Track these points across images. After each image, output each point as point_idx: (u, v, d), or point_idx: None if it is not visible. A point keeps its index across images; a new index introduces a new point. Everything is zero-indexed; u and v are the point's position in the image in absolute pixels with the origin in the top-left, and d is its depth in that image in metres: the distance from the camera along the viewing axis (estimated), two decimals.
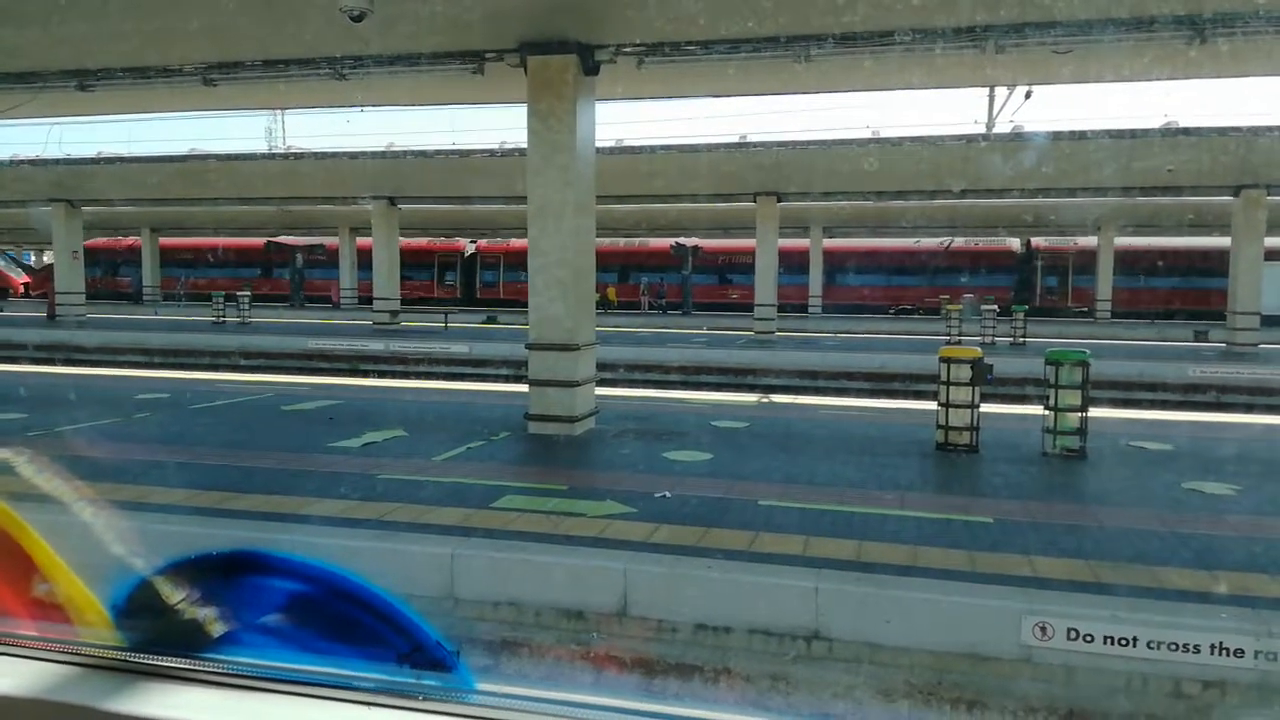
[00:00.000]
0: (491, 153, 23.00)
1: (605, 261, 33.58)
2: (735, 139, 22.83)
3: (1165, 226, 29.95)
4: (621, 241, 37.75)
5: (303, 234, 39.45)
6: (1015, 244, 36.02)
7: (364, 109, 16.32)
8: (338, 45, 9.65)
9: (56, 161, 26.26)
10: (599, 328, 11.01)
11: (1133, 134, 18.61)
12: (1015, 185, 21.69)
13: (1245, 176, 20.44)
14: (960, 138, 20.79)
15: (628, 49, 9.37)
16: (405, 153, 24.06)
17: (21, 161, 26.61)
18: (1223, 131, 18.40)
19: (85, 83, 10.84)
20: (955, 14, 8.25)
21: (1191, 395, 16.45)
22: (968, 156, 20.60)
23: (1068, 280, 35.44)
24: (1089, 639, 4.67)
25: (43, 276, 43.54)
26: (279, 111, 42.33)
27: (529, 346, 9.93)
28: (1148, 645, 4.61)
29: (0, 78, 11.03)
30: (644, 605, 5.31)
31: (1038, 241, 35.35)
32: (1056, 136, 19.37)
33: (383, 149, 24.66)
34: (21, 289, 43.17)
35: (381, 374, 19.61)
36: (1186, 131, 18.43)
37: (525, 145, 9.79)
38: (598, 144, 10.52)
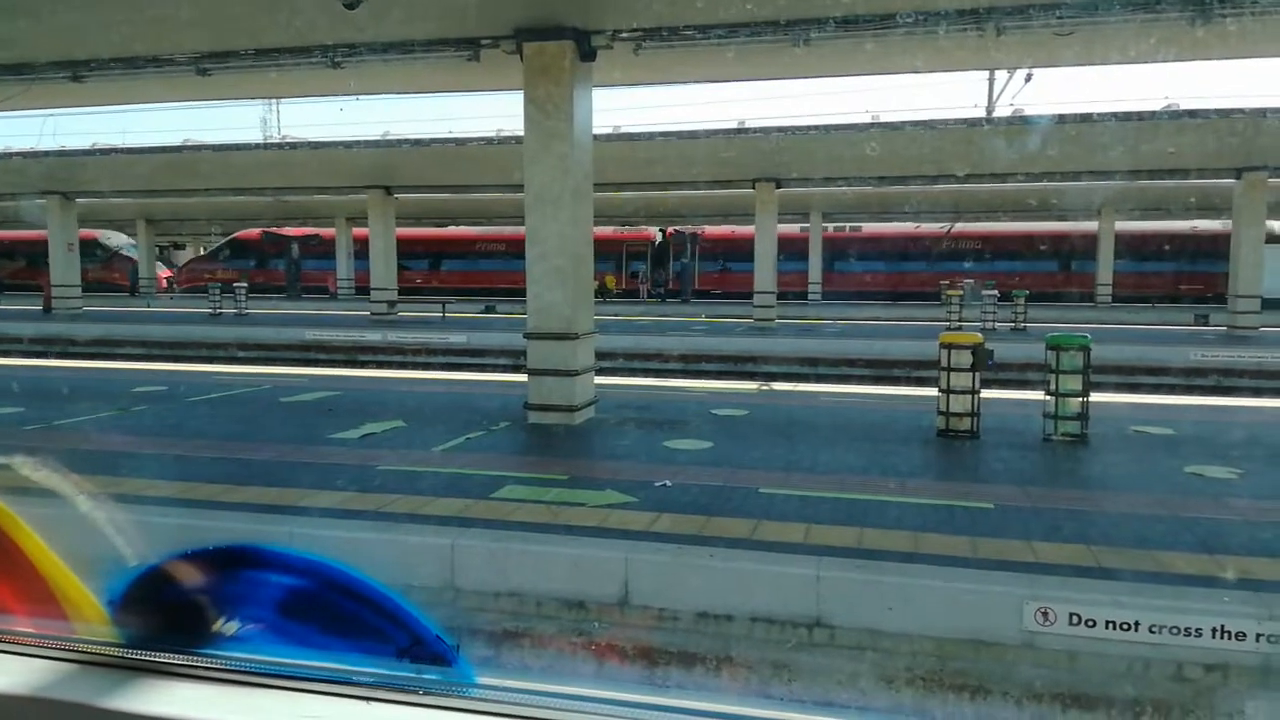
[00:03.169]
0: (488, 141, 22.91)
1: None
2: (733, 125, 22.78)
3: (1171, 210, 29.66)
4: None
5: (298, 224, 39.38)
6: None
7: (359, 98, 16.30)
8: (331, 33, 9.58)
9: (49, 154, 26.14)
10: (597, 316, 10.99)
11: (1139, 116, 18.51)
12: (1019, 169, 21.60)
13: (1249, 159, 20.37)
14: (963, 122, 20.70)
15: (624, 34, 9.31)
16: (401, 141, 23.97)
17: (14, 154, 26.49)
18: (1225, 113, 18.32)
19: (78, 73, 10.78)
20: None
21: (1193, 379, 16.46)
22: (971, 140, 20.52)
23: None
24: (1091, 624, 4.67)
25: (186, 273, 43.27)
26: (274, 101, 42.23)
27: (527, 336, 9.90)
28: (1150, 629, 4.61)
29: None
30: (645, 594, 5.30)
31: None
32: (1061, 120, 19.27)
33: (378, 138, 24.58)
34: (164, 283, 42.52)
35: (380, 365, 19.59)
36: (1192, 114, 18.35)
37: (522, 133, 9.74)
38: (595, 131, 10.47)
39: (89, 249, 40.90)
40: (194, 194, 29.66)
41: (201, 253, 47.86)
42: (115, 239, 42.17)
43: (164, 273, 44.11)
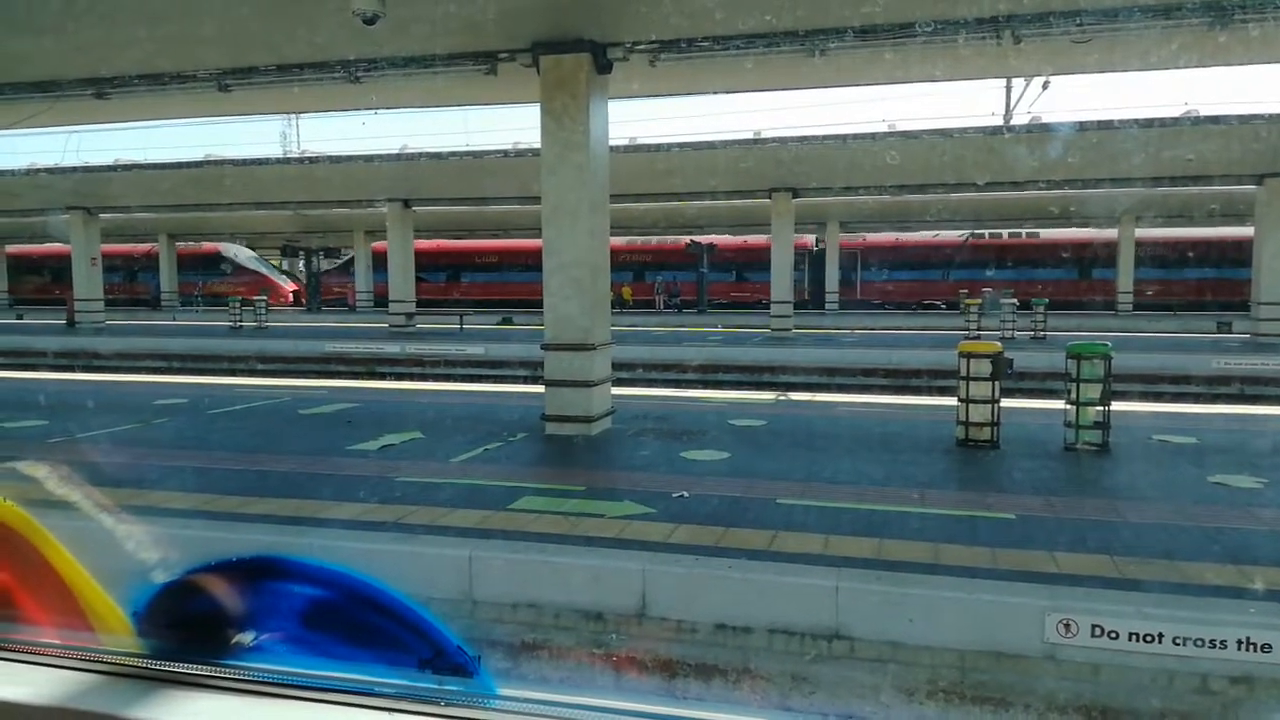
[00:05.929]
0: (505, 153, 23.05)
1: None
2: (748, 135, 22.84)
3: (1194, 217, 29.45)
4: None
5: (321, 238, 39.62)
6: None
7: (378, 111, 16.40)
8: (351, 48, 9.68)
9: (74, 169, 26.50)
10: (614, 327, 11.00)
11: (1162, 123, 18.39)
12: (1039, 176, 21.47)
13: (1271, 164, 20.14)
14: (982, 129, 20.60)
15: (641, 46, 9.34)
16: (419, 155, 24.14)
17: (40, 170, 26.87)
18: (1247, 119, 18.16)
19: (102, 91, 10.93)
20: (978, 4, 8.15)
21: (1216, 387, 16.27)
22: (990, 148, 20.42)
23: None
24: (1114, 635, 4.62)
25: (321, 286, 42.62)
26: (294, 116, 42.62)
27: (544, 347, 9.93)
28: (1173, 641, 4.55)
29: (18, 87, 11.14)
30: (663, 606, 5.29)
31: None
32: (1081, 127, 19.16)
33: (397, 151, 24.76)
34: (290, 297, 42.07)
35: (398, 377, 19.68)
36: (1216, 120, 18.20)
37: (539, 145, 9.79)
38: (612, 142, 10.50)
39: (213, 263, 41.36)
40: (216, 208, 29.95)
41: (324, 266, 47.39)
42: (239, 253, 42.15)
43: (288, 286, 43.15)
